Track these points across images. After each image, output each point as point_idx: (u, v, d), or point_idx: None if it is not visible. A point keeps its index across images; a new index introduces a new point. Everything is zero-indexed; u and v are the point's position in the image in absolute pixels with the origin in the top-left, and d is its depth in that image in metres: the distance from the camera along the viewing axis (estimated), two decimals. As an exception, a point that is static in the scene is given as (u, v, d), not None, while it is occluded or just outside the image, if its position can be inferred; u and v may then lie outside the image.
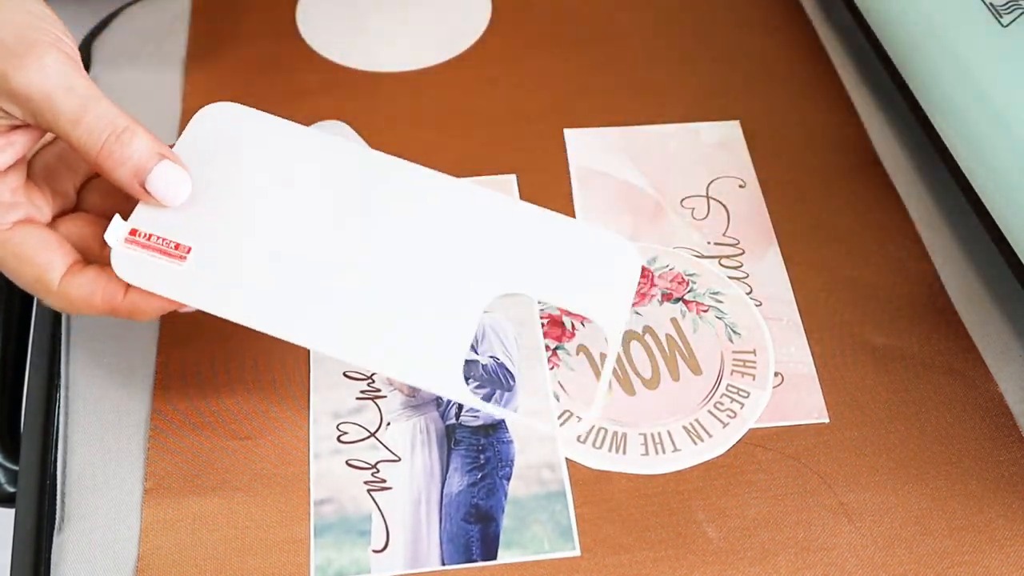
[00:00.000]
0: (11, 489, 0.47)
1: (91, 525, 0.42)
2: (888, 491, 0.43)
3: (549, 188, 0.53)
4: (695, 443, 0.44)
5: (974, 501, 0.43)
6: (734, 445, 0.44)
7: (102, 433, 0.45)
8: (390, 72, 0.59)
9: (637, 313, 0.49)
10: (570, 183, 0.54)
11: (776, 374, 0.47)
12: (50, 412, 0.47)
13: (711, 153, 0.55)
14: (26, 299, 0.55)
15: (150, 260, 0.39)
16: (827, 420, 0.45)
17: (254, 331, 0.48)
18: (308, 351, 0.47)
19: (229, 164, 0.41)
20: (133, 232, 0.39)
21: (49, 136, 0.40)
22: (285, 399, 0.45)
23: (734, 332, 0.48)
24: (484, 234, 0.41)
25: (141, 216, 0.40)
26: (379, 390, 0.46)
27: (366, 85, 0.58)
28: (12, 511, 0.45)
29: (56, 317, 0.49)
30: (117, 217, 0.39)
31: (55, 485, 0.44)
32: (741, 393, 0.46)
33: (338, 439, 0.44)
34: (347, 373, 0.46)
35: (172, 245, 0.40)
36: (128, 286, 0.39)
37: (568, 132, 0.56)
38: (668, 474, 0.44)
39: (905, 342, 0.48)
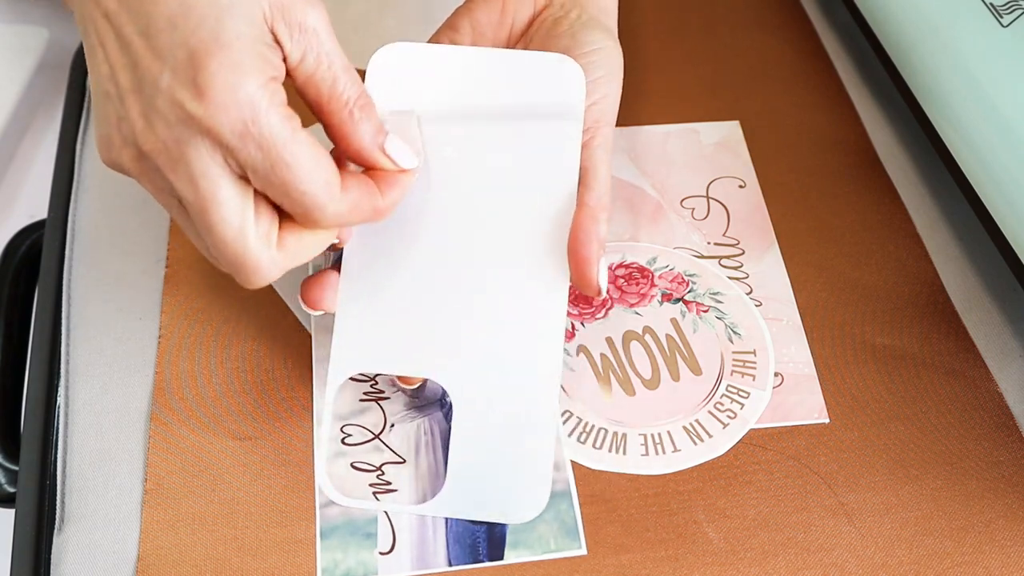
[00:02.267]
0: (11, 489, 0.47)
1: (91, 525, 0.42)
2: (888, 491, 0.43)
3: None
4: (695, 443, 0.45)
5: (974, 501, 0.43)
6: (734, 445, 0.44)
7: (102, 433, 0.45)
8: (390, 72, 0.59)
9: (637, 313, 0.49)
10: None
11: (776, 374, 0.47)
12: (50, 412, 0.47)
13: (711, 153, 0.55)
14: (27, 299, 0.55)
15: None
16: (827, 420, 0.45)
17: (254, 331, 0.48)
18: (310, 350, 0.47)
19: None
20: None
21: None
22: (287, 399, 0.45)
23: (734, 332, 0.48)
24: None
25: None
26: (382, 392, 0.46)
27: (366, 85, 0.58)
28: (12, 511, 0.45)
29: (56, 317, 0.49)
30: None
31: (55, 485, 0.44)
32: (741, 393, 0.46)
33: (342, 441, 0.44)
34: (349, 375, 0.46)
35: None
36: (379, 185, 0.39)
37: (568, 132, 0.56)
38: (668, 474, 0.44)
39: (905, 342, 0.48)
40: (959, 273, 0.51)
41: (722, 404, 0.46)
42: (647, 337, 0.48)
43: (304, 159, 0.36)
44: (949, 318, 0.49)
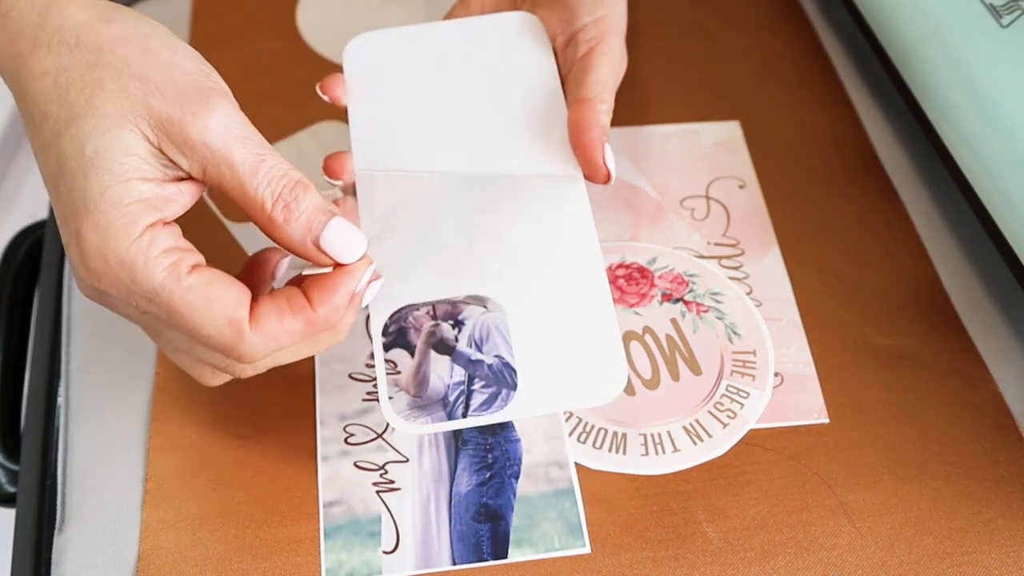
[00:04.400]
0: (11, 489, 0.47)
1: (91, 525, 0.42)
2: (888, 491, 0.43)
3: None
4: (695, 443, 0.45)
5: (974, 501, 0.43)
6: (734, 445, 0.45)
7: (102, 433, 0.45)
8: (390, 72, 0.59)
9: (637, 313, 0.49)
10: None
11: (776, 374, 0.47)
12: (50, 412, 0.47)
13: (711, 153, 0.55)
14: (26, 299, 0.55)
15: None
16: (827, 420, 0.45)
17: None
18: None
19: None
20: None
21: None
22: (288, 399, 0.45)
23: (734, 332, 0.48)
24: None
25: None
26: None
27: (366, 85, 0.58)
28: (12, 511, 0.45)
29: (56, 317, 0.49)
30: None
31: (55, 485, 0.44)
32: (741, 393, 0.46)
33: (345, 441, 0.44)
34: (352, 375, 0.46)
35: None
36: (311, 293, 0.37)
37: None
38: (668, 474, 0.44)
39: (905, 342, 0.48)
40: (959, 273, 0.51)
41: (722, 404, 0.46)
42: (647, 337, 0.48)
43: (197, 305, 0.34)
44: (949, 318, 0.49)
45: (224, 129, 0.35)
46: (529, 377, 0.39)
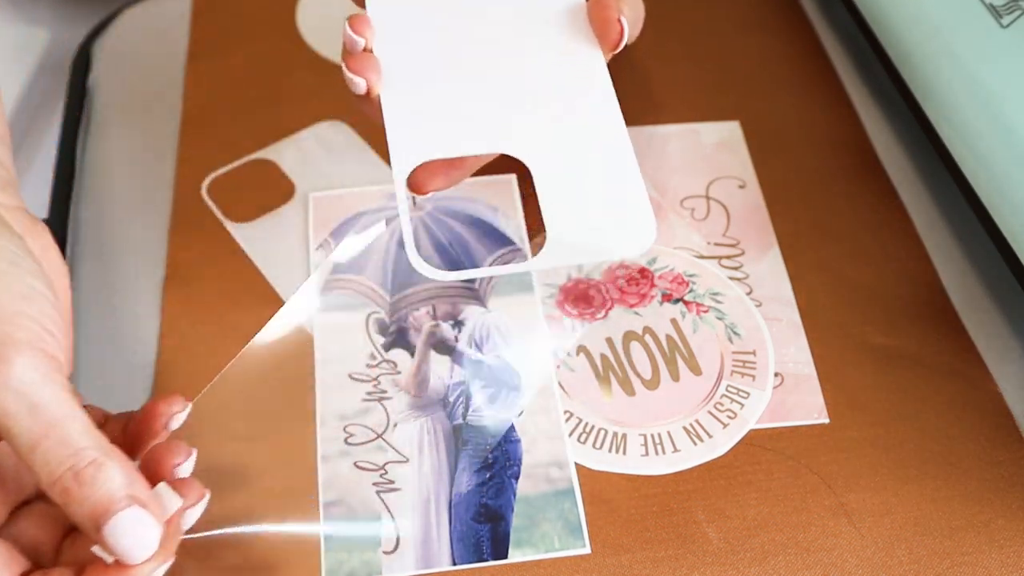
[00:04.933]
0: (12, 489, 0.47)
1: (92, 525, 0.42)
2: (888, 491, 0.43)
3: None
4: (695, 444, 0.45)
5: (974, 501, 0.43)
6: (734, 445, 0.45)
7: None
8: (390, 72, 0.59)
9: (637, 314, 0.49)
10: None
11: (776, 374, 0.47)
12: (51, 412, 0.47)
13: (711, 153, 0.55)
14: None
15: None
16: (827, 420, 0.45)
17: (254, 331, 0.48)
18: (312, 351, 0.47)
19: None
20: None
21: None
22: (288, 398, 0.45)
23: (734, 333, 0.48)
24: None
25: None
26: (385, 391, 0.46)
27: (366, 85, 0.58)
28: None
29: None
30: None
31: (56, 485, 0.44)
32: (741, 393, 0.46)
33: (345, 441, 0.44)
34: (352, 375, 0.46)
35: None
36: None
37: (568, 132, 0.56)
38: (668, 474, 0.44)
39: (905, 342, 0.48)
40: (959, 273, 0.51)
41: (722, 404, 0.46)
42: (647, 337, 0.48)
43: None
44: (949, 318, 0.49)
45: (7, 392, 0.30)
46: (558, 230, 0.39)
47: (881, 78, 0.59)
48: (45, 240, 0.38)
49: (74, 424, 0.31)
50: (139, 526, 0.31)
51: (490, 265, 0.46)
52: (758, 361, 0.47)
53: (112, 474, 0.31)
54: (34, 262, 0.34)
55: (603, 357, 0.47)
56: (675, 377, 0.47)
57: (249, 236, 0.51)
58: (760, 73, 0.60)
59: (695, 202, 0.53)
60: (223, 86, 0.59)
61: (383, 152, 0.54)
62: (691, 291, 0.50)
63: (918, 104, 0.53)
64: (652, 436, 0.45)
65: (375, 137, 0.55)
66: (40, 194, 0.54)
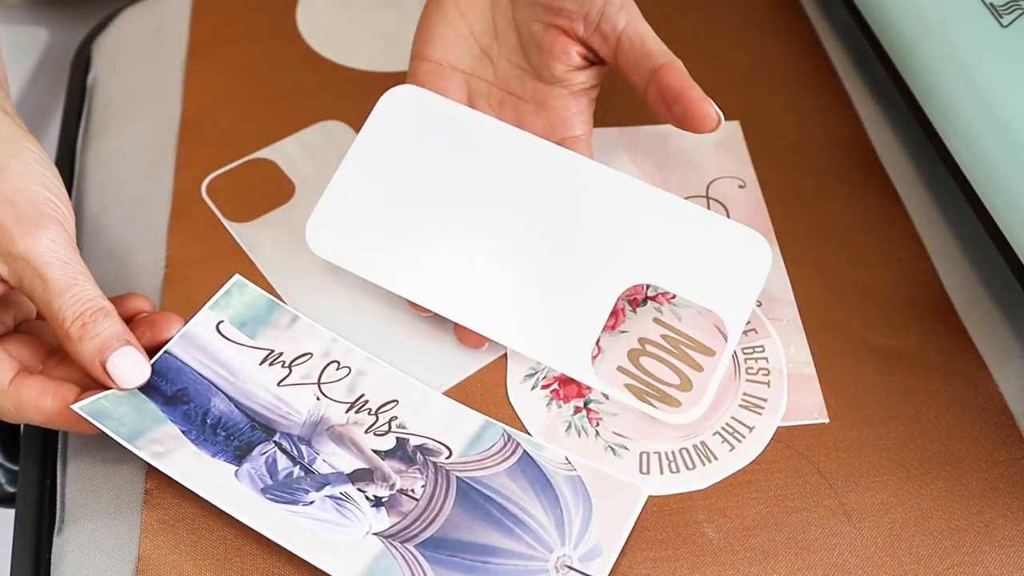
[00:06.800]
0: (11, 489, 0.48)
1: (91, 525, 0.43)
2: (888, 491, 0.43)
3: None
4: (731, 447, 0.44)
5: (974, 501, 0.43)
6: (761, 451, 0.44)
7: (102, 432, 0.45)
8: (390, 72, 0.59)
9: (623, 332, 0.48)
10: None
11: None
12: (50, 412, 0.47)
13: (711, 153, 0.55)
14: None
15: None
16: (827, 420, 0.45)
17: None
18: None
19: (408, 146, 0.48)
20: None
21: None
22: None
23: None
24: (622, 221, 0.46)
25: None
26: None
27: (366, 85, 0.58)
28: (12, 511, 0.45)
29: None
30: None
31: (55, 485, 0.44)
32: (757, 400, 0.46)
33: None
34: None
35: None
36: (80, 391, 0.41)
37: (568, 132, 0.56)
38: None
39: (905, 342, 0.48)
40: (959, 273, 0.51)
41: (730, 428, 0.46)
42: (647, 347, 0.47)
43: None
44: (949, 318, 0.49)
45: (47, 250, 0.40)
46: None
47: (881, 78, 0.59)
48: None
49: (91, 282, 0.41)
50: (133, 360, 0.41)
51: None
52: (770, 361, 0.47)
53: (115, 321, 0.41)
54: (49, 160, 0.43)
55: (629, 387, 0.46)
56: (698, 368, 0.46)
57: (249, 236, 0.51)
58: (760, 73, 0.60)
59: (695, 202, 0.53)
60: (223, 86, 0.59)
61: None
62: (649, 286, 0.49)
63: (918, 104, 0.53)
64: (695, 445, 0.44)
65: (375, 137, 0.55)
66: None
